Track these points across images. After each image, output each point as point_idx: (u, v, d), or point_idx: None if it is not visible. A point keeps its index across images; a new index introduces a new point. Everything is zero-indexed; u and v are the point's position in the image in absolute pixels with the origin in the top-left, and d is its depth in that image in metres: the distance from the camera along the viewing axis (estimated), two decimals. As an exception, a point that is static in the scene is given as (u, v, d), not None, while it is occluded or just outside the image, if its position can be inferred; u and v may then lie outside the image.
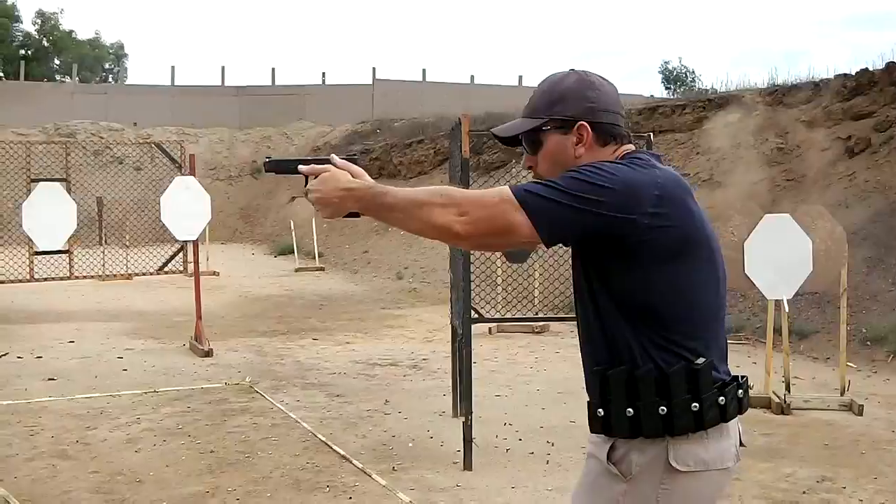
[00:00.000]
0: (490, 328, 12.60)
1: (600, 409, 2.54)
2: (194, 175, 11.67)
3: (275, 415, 8.07)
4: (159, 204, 11.57)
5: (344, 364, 10.38)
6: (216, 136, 34.93)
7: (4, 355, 10.92)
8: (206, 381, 9.44)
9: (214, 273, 19.76)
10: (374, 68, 43.69)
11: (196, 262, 11.74)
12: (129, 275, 17.97)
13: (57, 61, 52.66)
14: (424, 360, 10.68)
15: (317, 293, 17.54)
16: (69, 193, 11.40)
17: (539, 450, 7.05)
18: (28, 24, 53.78)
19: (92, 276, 17.05)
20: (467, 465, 6.58)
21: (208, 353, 10.79)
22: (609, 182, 2.40)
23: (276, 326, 13.42)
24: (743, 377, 2.63)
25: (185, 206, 11.18)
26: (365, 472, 6.44)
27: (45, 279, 15.65)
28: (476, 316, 9.56)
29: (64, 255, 14.92)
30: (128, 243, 20.29)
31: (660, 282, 2.48)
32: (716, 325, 2.61)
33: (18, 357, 10.83)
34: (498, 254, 8.40)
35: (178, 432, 7.48)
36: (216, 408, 8.32)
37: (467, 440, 6.61)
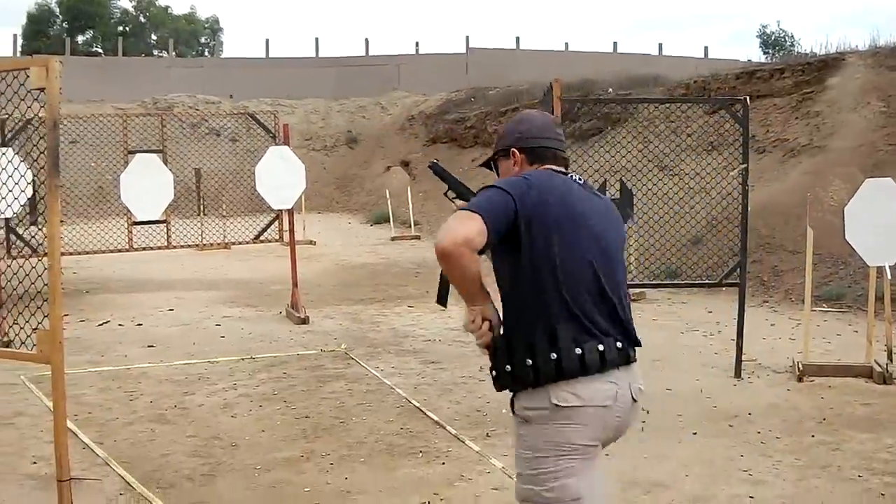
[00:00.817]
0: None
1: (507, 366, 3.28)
2: (288, 145, 11.75)
3: (370, 381, 8.12)
4: (255, 174, 11.69)
5: (439, 331, 10.40)
6: (311, 107, 35.15)
7: (106, 323, 11.16)
8: (302, 348, 9.54)
9: (311, 242, 19.94)
10: (467, 37, 43.80)
11: (292, 231, 11.85)
12: (227, 244, 18.22)
13: (154, 37, 53.53)
14: (518, 327, 10.65)
15: (412, 261, 17.59)
16: (166, 165, 11.56)
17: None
18: (125, 1, 54.85)
19: (190, 246, 17.33)
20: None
21: (304, 321, 10.90)
22: (514, 182, 3.31)
23: (372, 294, 13.49)
24: (617, 337, 3.28)
25: (280, 176, 11.27)
26: (458, 438, 6.45)
27: (144, 248, 15.92)
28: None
29: (162, 225, 15.16)
30: (225, 213, 20.55)
31: (531, 249, 3.25)
32: (587, 298, 3.26)
33: (119, 325, 11.06)
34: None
35: (273, 398, 7.57)
36: (311, 374, 8.40)
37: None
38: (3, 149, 10.30)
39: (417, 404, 7.29)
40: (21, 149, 11.07)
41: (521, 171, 3.48)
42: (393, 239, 21.66)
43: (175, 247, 16.00)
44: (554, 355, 3.17)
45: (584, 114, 20.43)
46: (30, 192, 10.15)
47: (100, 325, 11.11)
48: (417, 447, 6.28)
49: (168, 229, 16.21)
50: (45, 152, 4.80)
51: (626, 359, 3.30)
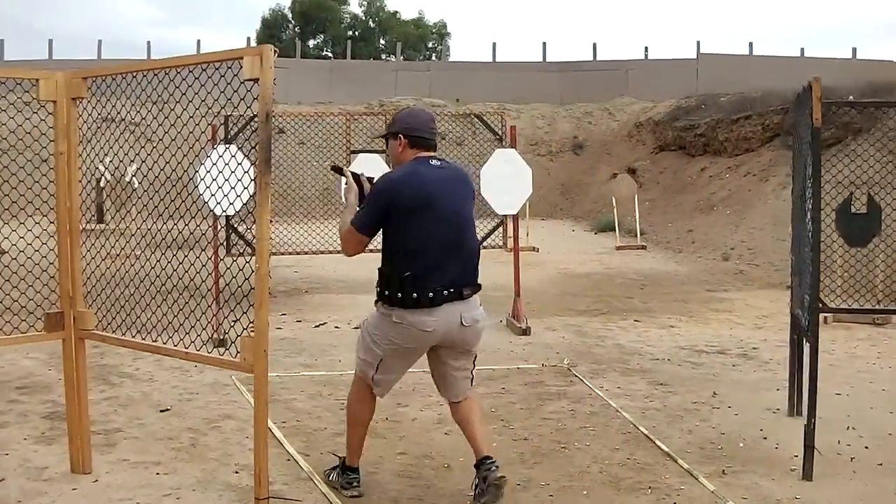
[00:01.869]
0: (826, 318, 11.57)
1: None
2: (515, 147, 11.28)
3: (593, 401, 7.56)
4: (479, 175, 11.29)
5: (668, 349, 9.73)
6: (537, 112, 34.74)
7: (322, 324, 10.98)
8: (523, 361, 9.06)
9: (534, 249, 19.50)
10: (698, 42, 42.23)
11: (516, 238, 11.38)
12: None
13: (382, 41, 54.23)
14: (755, 348, 9.86)
15: (638, 272, 16.91)
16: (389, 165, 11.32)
17: (889, 460, 6.18)
18: (355, 7, 55.77)
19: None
20: (807, 474, 5.81)
21: (525, 332, 10.43)
22: (374, 193, 5.24)
23: (596, 305, 12.92)
24: (447, 285, 5.09)
25: (506, 180, 10.81)
26: (691, 475, 5.81)
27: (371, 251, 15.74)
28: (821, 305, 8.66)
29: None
30: (449, 217, 20.31)
31: (397, 230, 5.12)
32: (428, 256, 5.07)
33: (336, 327, 10.87)
34: (836, 237, 7.53)
35: (491, 415, 7.10)
36: (532, 391, 7.90)
37: (809, 446, 5.84)
38: (227, 145, 10.23)
39: (646, 432, 6.68)
40: (245, 144, 11.05)
41: (403, 150, 5.29)
42: (618, 248, 20.97)
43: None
44: (400, 294, 5.08)
45: (825, 122, 19.24)
46: (252, 189, 10.02)
47: (316, 326, 10.94)
48: (646, 482, 5.68)
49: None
50: (257, 147, 4.47)
51: (458, 297, 5.13)
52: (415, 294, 5.03)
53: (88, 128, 5.52)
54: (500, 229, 16.58)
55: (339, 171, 5.50)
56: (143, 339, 5.31)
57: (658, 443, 6.43)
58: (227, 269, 7.58)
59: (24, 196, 5.51)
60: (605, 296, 13.93)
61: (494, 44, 40.08)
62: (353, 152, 13.43)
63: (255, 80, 4.41)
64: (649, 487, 5.59)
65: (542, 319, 11.36)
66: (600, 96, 35.19)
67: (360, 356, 5.40)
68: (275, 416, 7.02)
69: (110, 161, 5.33)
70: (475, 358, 5.51)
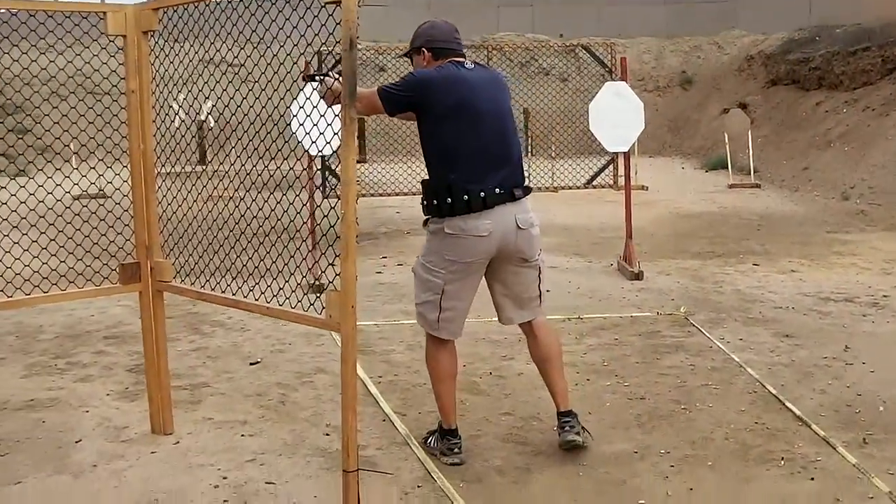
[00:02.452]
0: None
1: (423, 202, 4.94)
2: (626, 81, 10.56)
3: (714, 355, 6.95)
4: (587, 113, 10.64)
5: (791, 296, 9.02)
6: (643, 47, 33.66)
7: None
8: (636, 309, 8.47)
9: (643, 187, 18.73)
10: (813, -30, 40.54)
11: (627, 177, 10.69)
12: (555, 188, 17.35)
13: (485, -24, 53.24)
14: (885, 297, 9.07)
15: (753, 212, 16.07)
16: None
17: None
18: (456, -60, 54.69)
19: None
20: (962, 440, 5.20)
21: (638, 276, 9.81)
22: (409, 80, 4.91)
23: (711, 248, 12.21)
24: (496, 184, 4.83)
25: (616, 115, 10.12)
26: (828, 443, 5.19)
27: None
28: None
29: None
30: (553, 154, 19.71)
31: (434, 135, 4.86)
32: (473, 158, 4.81)
33: (439, 272, 10.38)
34: None
35: (603, 370, 6.56)
36: (647, 342, 7.33)
37: (964, 409, 5.21)
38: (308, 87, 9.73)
39: (774, 391, 6.05)
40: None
41: (429, 65, 5.00)
42: (730, 186, 20.05)
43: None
44: (449, 199, 4.77)
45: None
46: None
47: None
48: (777, 451, 5.08)
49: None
50: (341, 78, 3.95)
51: (510, 198, 4.85)
52: (465, 196, 4.75)
53: (171, 64, 5.05)
54: (610, 168, 15.90)
55: (311, 78, 4.98)
56: (230, 286, 4.87)
57: (788, 404, 5.80)
58: (324, 214, 7.13)
59: (109, 139, 5.09)
60: (720, 237, 13.20)
61: (599, -24, 38.97)
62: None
63: (337, 3, 3.87)
64: (782, 458, 4.99)
65: (654, 263, 10.72)
66: (709, 29, 33.89)
67: (419, 300, 5.03)
68: (370, 370, 6.59)
69: (184, 98, 4.83)
70: (540, 273, 5.11)
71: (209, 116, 4.53)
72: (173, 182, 5.16)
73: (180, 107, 4.99)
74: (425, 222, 4.96)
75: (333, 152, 9.74)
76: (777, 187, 19.96)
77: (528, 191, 4.99)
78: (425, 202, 4.88)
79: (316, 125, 4.56)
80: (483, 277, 5.02)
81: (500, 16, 36.24)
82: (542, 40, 32.92)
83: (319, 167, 12.73)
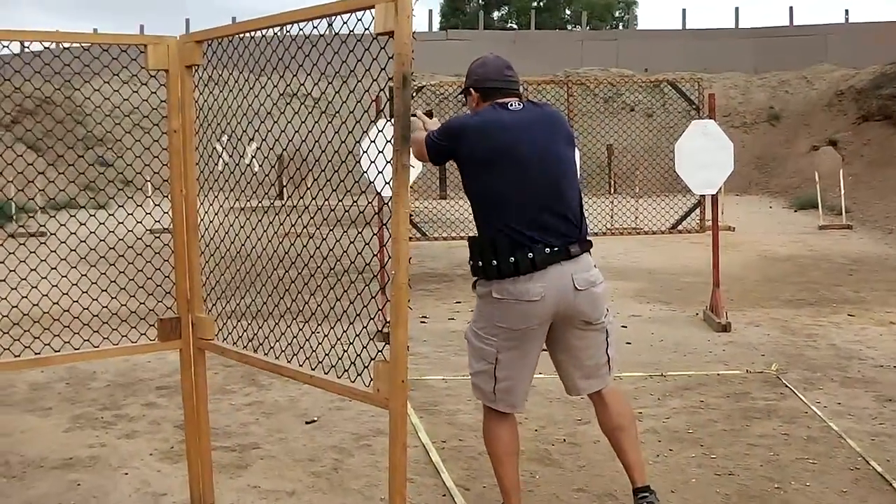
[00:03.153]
0: None
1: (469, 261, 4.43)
2: (714, 118, 9.96)
3: (810, 422, 6.31)
4: (672, 151, 10.07)
5: (892, 353, 8.32)
6: (730, 81, 32.95)
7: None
8: (724, 365, 7.87)
9: (729, 228, 18.07)
10: (906, 3, 39.51)
11: (715, 221, 10.06)
12: (638, 230, 16.78)
13: (567, 12, 52.90)
14: None
15: (845, 255, 15.34)
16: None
17: None
18: (540, -23, 54.49)
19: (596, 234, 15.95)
20: None
21: (725, 328, 9.20)
22: (445, 128, 4.58)
23: (802, 295, 11.55)
24: (549, 242, 4.27)
25: (703, 155, 9.53)
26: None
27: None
28: None
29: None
30: (637, 193, 19.14)
31: (472, 187, 4.43)
32: (518, 212, 4.28)
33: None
34: None
35: (688, 438, 5.97)
36: (735, 405, 6.72)
37: None
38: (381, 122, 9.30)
39: (880, 469, 5.40)
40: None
41: (477, 106, 4.55)
42: (821, 228, 19.30)
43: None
44: (495, 261, 4.25)
45: None
46: (419, 166, 9.07)
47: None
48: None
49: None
50: (393, 119, 3.49)
51: (565, 256, 4.29)
52: (512, 258, 4.22)
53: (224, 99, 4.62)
54: (697, 210, 15.27)
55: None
56: (279, 340, 4.39)
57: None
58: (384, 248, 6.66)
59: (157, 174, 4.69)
60: (811, 283, 12.52)
61: (684, 10, 39.18)
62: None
63: (390, 34, 3.42)
64: (894, 552, 4.40)
65: (742, 312, 10.11)
66: (797, 63, 33.09)
67: (473, 370, 4.50)
68: (434, 433, 6.09)
69: (228, 140, 4.40)
70: (608, 336, 4.51)
71: (253, 160, 4.14)
72: (247, 217, 4.70)
73: (223, 148, 4.55)
74: (474, 284, 4.47)
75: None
76: (869, 228, 19.15)
77: (587, 246, 4.42)
78: (471, 262, 4.39)
79: (390, 162, 4.16)
80: (545, 342, 4.48)
81: (584, 50, 35.86)
82: (627, 75, 32.39)
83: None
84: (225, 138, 4.56)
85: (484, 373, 4.39)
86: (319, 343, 4.00)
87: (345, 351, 3.83)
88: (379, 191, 9.00)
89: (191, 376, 4.82)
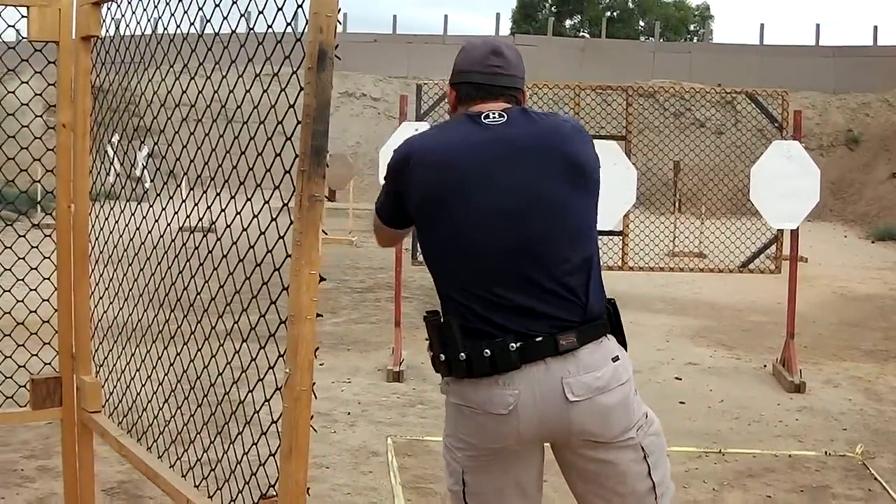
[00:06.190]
0: None
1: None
2: (799, 139, 8.41)
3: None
4: (743, 170, 8.63)
5: None
6: (807, 101, 31.31)
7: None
8: (797, 441, 6.44)
9: (802, 258, 16.55)
10: None
11: (794, 260, 8.52)
12: (702, 253, 15.33)
13: (641, 23, 51.58)
14: None
15: (931, 297, 13.79)
16: (629, 155, 8.66)
17: None
18: (614, -12, 53.28)
19: (655, 269, 14.46)
20: None
21: (798, 388, 7.74)
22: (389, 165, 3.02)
23: (885, 344, 10.06)
24: (503, 333, 2.76)
25: (785, 182, 7.97)
26: None
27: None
28: None
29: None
30: (703, 213, 17.75)
31: (419, 237, 2.95)
32: (472, 283, 2.81)
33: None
34: None
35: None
36: (810, 503, 5.32)
37: None
38: (417, 124, 7.97)
39: None
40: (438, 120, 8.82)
41: (453, 110, 3.06)
42: (904, 262, 17.75)
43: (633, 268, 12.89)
44: (443, 354, 2.84)
45: None
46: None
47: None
48: None
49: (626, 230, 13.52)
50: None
51: (550, 351, 2.78)
52: (463, 354, 2.78)
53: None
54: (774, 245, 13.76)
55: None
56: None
57: None
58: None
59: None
60: (894, 329, 11.03)
61: (762, 25, 37.08)
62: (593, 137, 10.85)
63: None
64: None
65: (818, 366, 8.66)
66: (880, 85, 31.43)
67: (447, 484, 3.06)
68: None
69: (118, 142, 3.14)
70: (647, 455, 2.89)
71: (145, 170, 3.16)
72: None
73: (114, 153, 3.28)
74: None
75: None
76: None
77: (595, 333, 2.86)
78: (430, 352, 2.96)
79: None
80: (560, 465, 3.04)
81: (656, 62, 34.53)
82: (699, 89, 30.91)
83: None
84: (116, 138, 3.29)
85: (454, 494, 3.00)
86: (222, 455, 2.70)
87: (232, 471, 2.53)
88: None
89: (74, 454, 3.56)
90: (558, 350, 2.78)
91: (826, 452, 6.18)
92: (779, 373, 8.17)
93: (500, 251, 2.81)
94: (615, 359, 2.86)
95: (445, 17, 48.06)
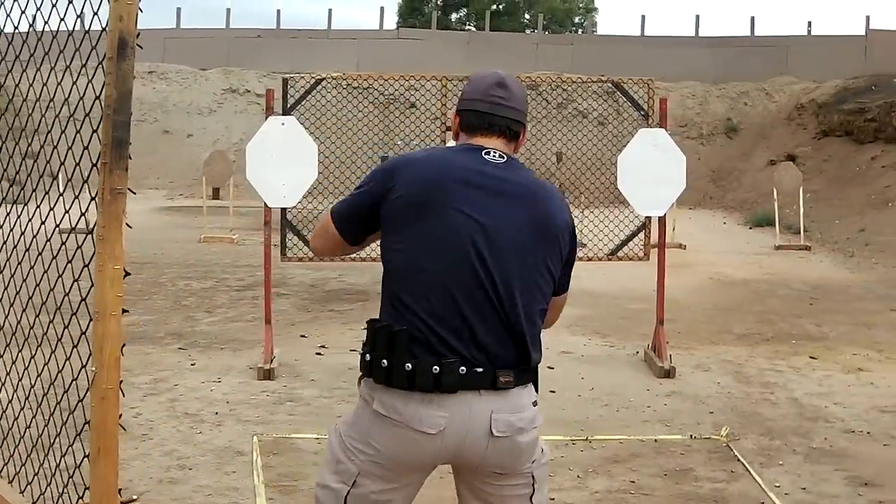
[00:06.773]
0: None
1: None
2: (665, 126, 8.53)
3: (769, 515, 5.01)
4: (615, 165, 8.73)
5: (864, 411, 7.03)
6: (688, 90, 31.93)
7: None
8: (664, 426, 6.53)
9: (680, 246, 16.82)
10: (867, 17, 38.96)
11: (661, 247, 8.66)
12: (581, 243, 15.48)
13: (527, 16, 52.00)
14: None
15: (805, 281, 14.07)
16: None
17: None
18: (499, -19, 53.57)
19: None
20: None
21: (668, 373, 7.86)
22: (376, 169, 3.21)
23: (757, 328, 10.26)
24: (474, 358, 2.84)
25: (651, 169, 8.06)
26: None
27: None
28: None
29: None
30: (584, 203, 17.92)
31: (388, 237, 3.02)
32: (436, 296, 2.87)
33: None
34: None
35: (611, 539, 4.64)
36: (674, 487, 5.38)
37: None
38: (284, 118, 7.91)
39: None
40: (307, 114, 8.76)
41: (456, 138, 3.19)
42: (777, 248, 18.08)
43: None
44: (385, 362, 2.87)
45: None
46: (314, 173, 7.68)
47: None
48: None
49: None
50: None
51: (488, 384, 2.88)
52: (409, 364, 2.84)
53: None
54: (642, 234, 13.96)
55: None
56: None
57: None
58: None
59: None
60: (768, 313, 11.25)
61: (643, 16, 37.17)
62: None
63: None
64: None
65: (689, 351, 8.80)
66: (757, 75, 32.06)
67: (321, 480, 3.03)
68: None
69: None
70: (535, 483, 3.05)
71: None
72: None
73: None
74: (359, 380, 3.08)
75: (297, 202, 8.02)
76: (829, 250, 18.00)
77: (527, 378, 3.01)
78: (361, 351, 3.02)
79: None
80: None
81: (539, 53, 34.83)
82: (574, 78, 31.22)
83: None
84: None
85: (332, 492, 2.96)
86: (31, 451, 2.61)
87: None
88: (266, 201, 7.74)
89: None
90: (496, 385, 2.90)
91: (691, 436, 6.28)
92: (650, 359, 8.29)
93: (470, 279, 2.90)
94: (535, 403, 3.03)
95: (330, 11, 47.60)
